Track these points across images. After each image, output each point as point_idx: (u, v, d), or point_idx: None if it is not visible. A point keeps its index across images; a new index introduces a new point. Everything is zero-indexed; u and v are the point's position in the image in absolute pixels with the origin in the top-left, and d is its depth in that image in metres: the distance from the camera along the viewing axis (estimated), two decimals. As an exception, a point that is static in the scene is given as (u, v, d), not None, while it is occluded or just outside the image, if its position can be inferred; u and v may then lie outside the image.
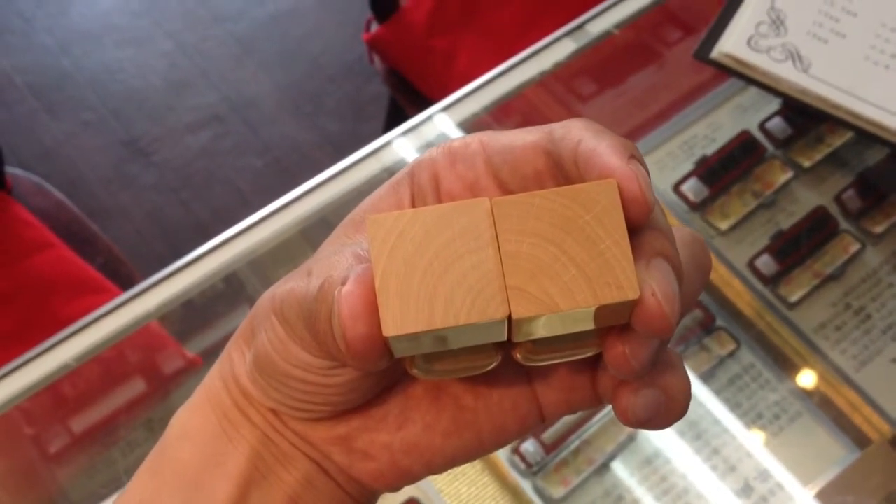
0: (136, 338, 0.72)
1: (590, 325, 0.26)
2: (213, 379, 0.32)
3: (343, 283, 0.26)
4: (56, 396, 0.71)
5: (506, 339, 0.27)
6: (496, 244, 0.26)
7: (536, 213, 0.26)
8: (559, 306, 0.25)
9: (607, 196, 0.26)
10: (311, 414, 0.30)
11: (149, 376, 0.73)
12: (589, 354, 0.28)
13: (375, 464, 0.31)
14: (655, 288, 0.25)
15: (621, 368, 0.27)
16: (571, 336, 0.27)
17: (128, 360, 0.72)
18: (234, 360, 0.31)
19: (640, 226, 0.26)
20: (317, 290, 0.27)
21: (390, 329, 0.25)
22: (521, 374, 0.31)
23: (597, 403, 0.31)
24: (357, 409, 0.30)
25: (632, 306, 0.26)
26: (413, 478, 0.31)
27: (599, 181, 0.26)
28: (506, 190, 0.28)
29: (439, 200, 0.29)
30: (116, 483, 0.68)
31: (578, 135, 0.27)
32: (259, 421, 0.31)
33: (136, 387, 0.72)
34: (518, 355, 0.28)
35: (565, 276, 0.25)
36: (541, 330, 0.26)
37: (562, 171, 0.27)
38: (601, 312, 0.26)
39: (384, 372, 0.29)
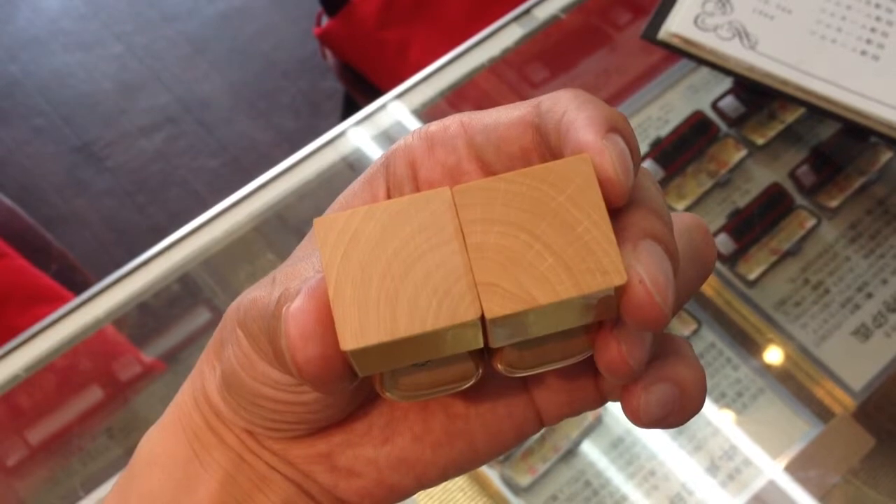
0: (91, 343, 0.71)
1: (576, 322, 0.23)
2: (184, 396, 0.30)
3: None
4: (10, 407, 0.69)
5: (482, 345, 0.24)
6: (461, 237, 0.23)
7: (504, 199, 0.23)
8: (537, 300, 0.22)
9: (581, 174, 0.23)
10: (286, 433, 0.28)
11: (106, 383, 0.71)
12: (579, 358, 0.25)
13: (361, 481, 0.28)
14: (643, 273, 0.22)
15: (617, 370, 0.24)
16: (557, 338, 0.25)
17: (84, 367, 0.71)
18: (206, 376, 0.29)
19: (617, 207, 0.23)
20: (275, 305, 0.24)
21: (349, 342, 0.22)
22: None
23: (600, 403, 0.28)
24: (338, 423, 0.28)
25: (620, 295, 0.23)
26: (403, 494, 0.29)
27: (572, 158, 0.23)
28: (491, 172, 0.25)
29: (417, 190, 0.26)
30: (76, 496, 0.66)
31: (564, 106, 0.24)
32: (233, 442, 0.29)
33: (94, 394, 0.70)
34: (499, 365, 0.25)
35: (541, 265, 0.23)
36: (520, 332, 0.23)
37: (549, 147, 0.24)
38: (587, 305, 0.23)
39: (364, 382, 0.26)
